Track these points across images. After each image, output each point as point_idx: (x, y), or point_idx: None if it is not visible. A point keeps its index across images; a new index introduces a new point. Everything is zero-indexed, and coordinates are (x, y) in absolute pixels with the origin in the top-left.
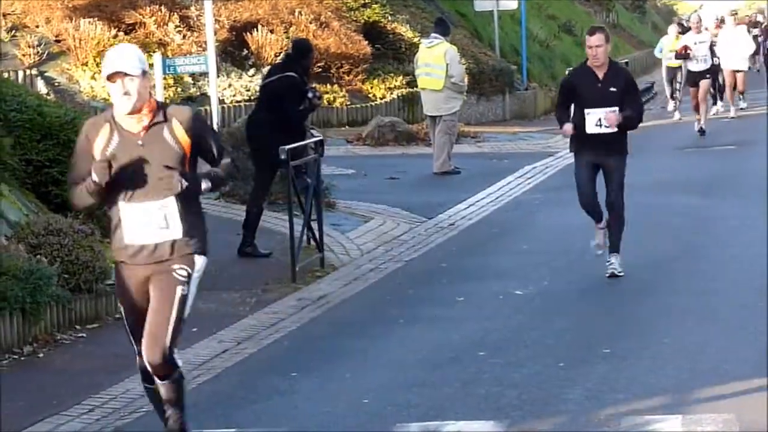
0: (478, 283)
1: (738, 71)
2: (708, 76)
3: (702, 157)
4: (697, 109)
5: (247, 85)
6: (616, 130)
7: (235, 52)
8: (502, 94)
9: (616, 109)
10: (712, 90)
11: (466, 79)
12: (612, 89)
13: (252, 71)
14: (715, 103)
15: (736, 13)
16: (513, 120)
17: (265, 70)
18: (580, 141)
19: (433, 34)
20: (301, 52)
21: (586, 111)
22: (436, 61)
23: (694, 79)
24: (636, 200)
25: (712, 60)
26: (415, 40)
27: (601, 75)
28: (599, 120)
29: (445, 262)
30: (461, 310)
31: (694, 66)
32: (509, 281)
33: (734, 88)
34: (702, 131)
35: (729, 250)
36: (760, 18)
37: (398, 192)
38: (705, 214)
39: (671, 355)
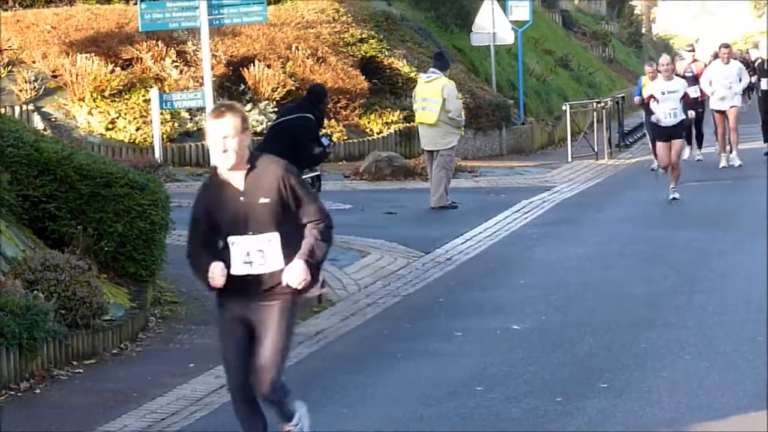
0: (476, 318)
1: (731, 108)
2: (681, 134)
3: (700, 191)
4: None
5: None
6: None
7: (232, 87)
8: (498, 128)
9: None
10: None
11: (463, 114)
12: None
13: (249, 106)
14: (690, 143)
15: (728, 47)
16: (510, 154)
17: (263, 105)
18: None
19: (431, 69)
20: (317, 96)
21: (230, 240)
22: (433, 96)
23: (663, 135)
24: (635, 233)
25: (689, 111)
26: (412, 74)
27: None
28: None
29: (442, 296)
30: (459, 345)
31: (661, 120)
32: (507, 316)
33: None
34: (675, 199)
35: (728, 285)
36: (754, 53)
37: (395, 227)
38: (704, 247)
39: (668, 389)
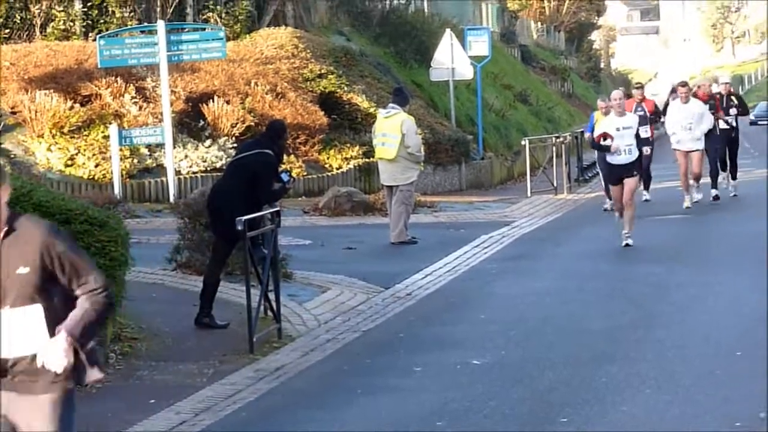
0: (436, 353)
1: (692, 151)
2: (635, 173)
3: (660, 225)
4: (622, 214)
5: (203, 156)
6: None
7: (191, 123)
8: (458, 163)
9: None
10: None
11: (422, 149)
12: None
13: (208, 142)
14: (647, 188)
15: (687, 85)
16: (469, 189)
17: (223, 141)
18: None
19: (390, 104)
20: (277, 131)
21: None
22: (392, 131)
23: (618, 175)
24: (594, 268)
25: (644, 148)
26: (372, 110)
27: None
28: None
29: (402, 332)
30: (419, 381)
31: (615, 158)
32: (467, 351)
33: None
34: (628, 245)
35: (686, 318)
36: (715, 88)
37: (355, 262)
38: (662, 281)
39: (629, 423)
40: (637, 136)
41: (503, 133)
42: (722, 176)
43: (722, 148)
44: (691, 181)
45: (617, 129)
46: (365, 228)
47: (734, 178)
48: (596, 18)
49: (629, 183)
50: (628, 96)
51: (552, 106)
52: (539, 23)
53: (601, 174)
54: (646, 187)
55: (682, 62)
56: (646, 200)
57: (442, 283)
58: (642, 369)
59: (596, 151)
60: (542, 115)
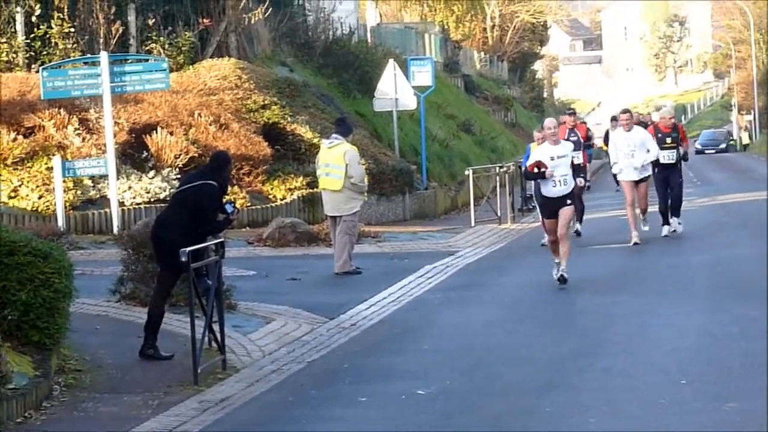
0: (381, 384)
1: (639, 181)
2: (569, 202)
3: (603, 255)
4: (556, 249)
5: (147, 187)
6: None
7: (134, 154)
8: (402, 194)
9: None
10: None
11: (366, 180)
12: None
13: (152, 173)
14: (579, 220)
15: (628, 112)
16: (413, 219)
17: (166, 172)
18: None
19: (333, 135)
20: (220, 163)
21: None
22: (336, 162)
23: (551, 207)
24: (538, 297)
25: (578, 179)
26: (315, 140)
27: None
28: None
29: (347, 362)
30: (364, 411)
31: (550, 190)
32: (412, 381)
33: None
34: (563, 279)
35: (631, 347)
36: (656, 117)
37: (300, 292)
38: (607, 310)
39: None
40: (573, 164)
41: (447, 163)
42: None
43: (662, 185)
44: (638, 212)
45: (551, 158)
46: (309, 258)
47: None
48: (539, 48)
49: (564, 213)
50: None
51: (495, 136)
52: (482, 53)
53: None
54: (579, 219)
55: (624, 92)
56: (577, 232)
57: (387, 313)
58: (587, 398)
59: (532, 183)
60: (486, 145)
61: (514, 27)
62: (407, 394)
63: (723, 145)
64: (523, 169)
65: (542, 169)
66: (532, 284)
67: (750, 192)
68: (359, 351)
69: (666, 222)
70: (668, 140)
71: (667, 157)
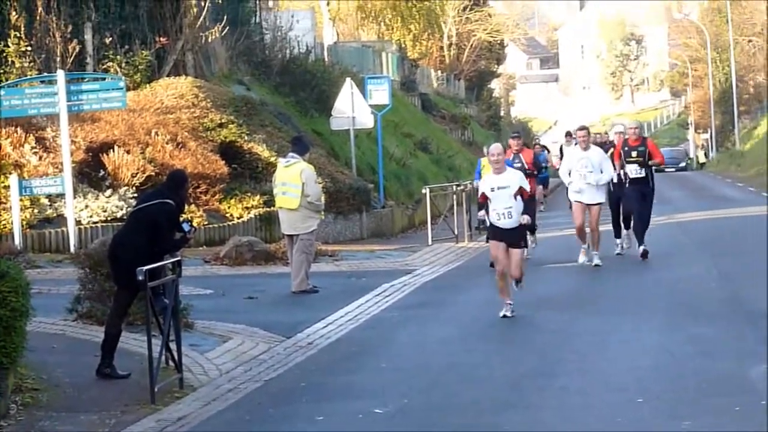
0: (338, 402)
1: (592, 205)
2: (522, 243)
3: (560, 273)
4: (502, 278)
5: (103, 205)
6: None
7: (91, 172)
8: (359, 212)
9: None
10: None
11: (323, 198)
12: None
13: (109, 192)
14: (532, 239)
15: (586, 129)
16: (371, 238)
17: (123, 191)
18: None
19: (290, 153)
20: (177, 181)
21: None
22: (293, 180)
23: (500, 235)
24: (496, 316)
25: (523, 216)
26: (272, 159)
27: None
28: None
29: (304, 381)
30: (322, 430)
31: (495, 221)
32: (369, 400)
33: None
34: (509, 315)
35: (588, 366)
36: (613, 137)
37: (257, 311)
38: (564, 329)
39: None
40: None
41: (404, 181)
42: (624, 232)
43: (615, 204)
44: (589, 245)
45: (491, 189)
46: (267, 277)
47: (627, 227)
48: (496, 66)
49: (514, 257)
50: (525, 145)
51: (452, 155)
52: (439, 71)
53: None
54: (532, 232)
55: (581, 110)
56: (527, 258)
57: (344, 332)
58: (545, 416)
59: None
60: (443, 164)
61: (471, 45)
62: (365, 413)
63: (682, 164)
64: (475, 183)
65: (481, 211)
66: (490, 303)
67: (707, 210)
68: (316, 370)
69: (627, 227)
70: (634, 154)
71: (635, 171)
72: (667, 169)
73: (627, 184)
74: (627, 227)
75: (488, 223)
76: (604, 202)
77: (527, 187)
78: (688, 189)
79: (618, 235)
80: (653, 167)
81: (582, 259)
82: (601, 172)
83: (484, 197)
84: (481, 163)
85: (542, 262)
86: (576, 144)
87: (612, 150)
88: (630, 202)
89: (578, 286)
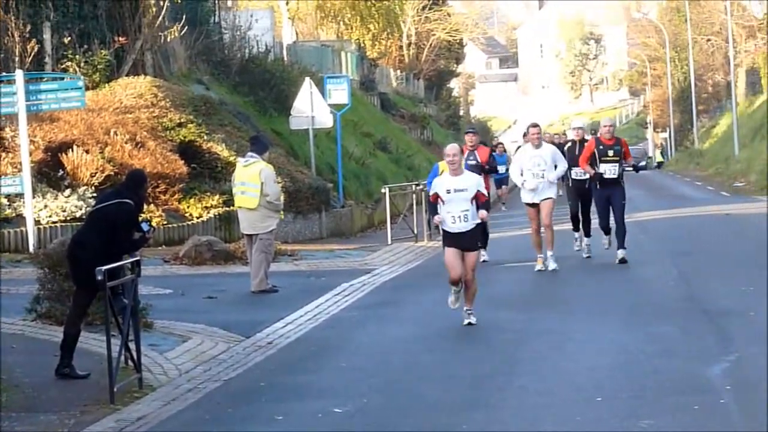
0: (298, 402)
1: (545, 199)
2: (478, 244)
3: (520, 272)
4: (457, 283)
5: (62, 205)
6: None
7: (50, 172)
8: (318, 211)
9: None
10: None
11: (282, 198)
12: None
13: (68, 192)
14: (484, 246)
15: (538, 126)
16: (330, 237)
17: (82, 191)
18: None
19: (249, 153)
20: (136, 181)
21: None
22: (252, 180)
23: (454, 241)
24: (456, 315)
25: (481, 211)
26: (231, 158)
27: None
28: None
29: (264, 380)
30: (280, 430)
31: (449, 225)
32: (328, 399)
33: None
34: (470, 323)
35: (548, 365)
36: (572, 134)
37: (216, 311)
38: (525, 328)
39: None
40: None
41: (363, 181)
42: (576, 235)
43: (575, 203)
44: (547, 245)
45: (447, 191)
46: (226, 277)
47: (588, 235)
48: (455, 66)
49: (469, 260)
50: (483, 143)
51: (412, 154)
52: (399, 71)
53: None
54: (484, 246)
55: (540, 109)
56: (484, 261)
57: (304, 331)
58: (504, 416)
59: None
60: (402, 163)
61: (431, 45)
62: (324, 413)
63: (643, 163)
64: (427, 188)
65: (440, 204)
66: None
67: (666, 210)
68: (276, 369)
69: (607, 232)
70: (610, 153)
71: (610, 171)
72: (627, 168)
73: (598, 186)
74: (587, 234)
75: (440, 230)
76: (555, 198)
77: (485, 192)
78: (648, 188)
79: (607, 232)
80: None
81: (539, 266)
82: (555, 168)
83: (436, 197)
84: (438, 167)
85: (503, 260)
86: (528, 143)
87: (568, 144)
88: (602, 205)
89: (538, 285)
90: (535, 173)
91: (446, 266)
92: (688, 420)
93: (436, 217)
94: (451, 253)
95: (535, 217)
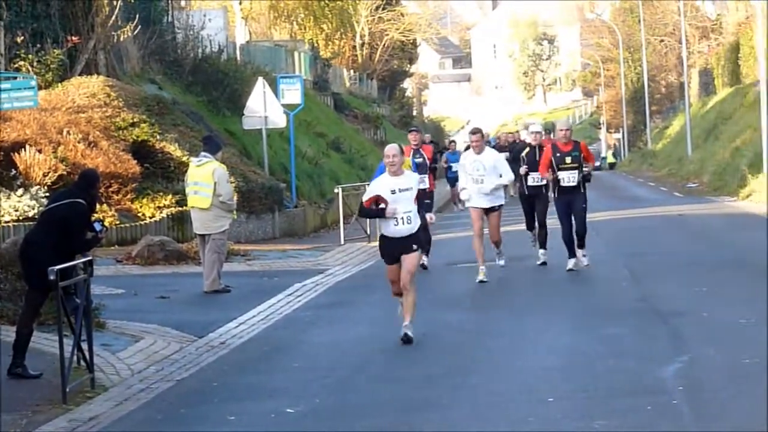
0: (250, 402)
1: (492, 209)
2: (415, 247)
3: (472, 273)
4: (400, 294)
5: (15, 205)
6: None
7: (2, 172)
8: (271, 212)
9: None
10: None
11: (235, 198)
12: None
13: (20, 191)
14: (426, 252)
15: (479, 132)
16: (283, 237)
17: (35, 191)
18: None
19: (202, 153)
20: (89, 181)
21: None
22: (204, 180)
23: (394, 251)
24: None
25: (428, 215)
26: (184, 158)
27: None
28: None
29: (216, 380)
30: (233, 430)
31: (392, 229)
32: (281, 399)
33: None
34: (408, 338)
35: (501, 365)
36: (527, 137)
37: (169, 311)
38: (477, 328)
39: None
40: (419, 195)
41: (316, 180)
42: (530, 234)
43: (529, 208)
44: (493, 246)
45: (392, 191)
46: (179, 277)
47: (543, 246)
48: (409, 66)
49: (408, 261)
50: (433, 143)
51: (365, 154)
52: (352, 71)
53: None
54: (426, 251)
55: (494, 109)
56: (423, 266)
57: (256, 331)
58: (457, 416)
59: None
60: (355, 163)
61: (384, 45)
62: (277, 413)
63: (598, 163)
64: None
65: (381, 206)
66: None
67: (619, 210)
68: (228, 369)
69: (572, 254)
70: (568, 159)
71: (568, 179)
72: (588, 172)
73: (556, 195)
74: (543, 245)
75: (379, 241)
76: (501, 207)
77: (423, 187)
78: (601, 189)
79: (572, 252)
80: (586, 173)
81: (481, 277)
82: (500, 176)
83: (371, 201)
84: (385, 168)
85: (455, 260)
86: (470, 149)
87: (526, 149)
88: (563, 212)
89: (490, 285)
90: (475, 179)
91: (389, 277)
92: (640, 421)
93: (388, 209)
94: (392, 270)
95: (479, 222)
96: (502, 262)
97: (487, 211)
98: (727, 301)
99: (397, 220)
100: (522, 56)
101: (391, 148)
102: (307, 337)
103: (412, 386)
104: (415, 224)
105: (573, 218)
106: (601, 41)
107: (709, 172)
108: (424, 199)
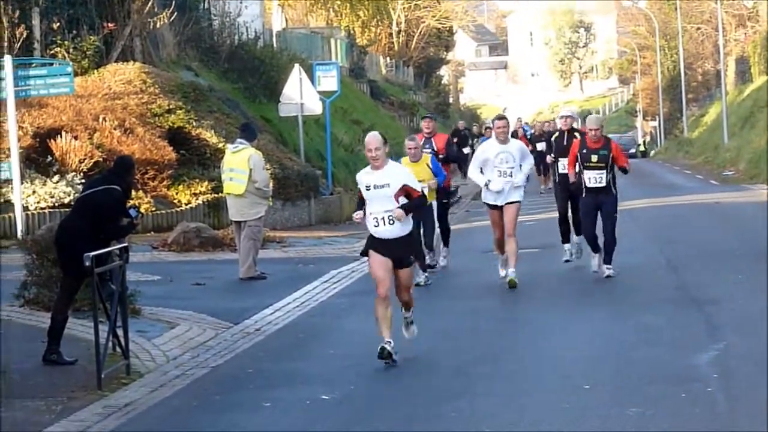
0: (285, 389)
1: (510, 203)
2: (411, 258)
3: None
4: (383, 316)
5: (51, 191)
6: None
7: (39, 158)
8: (307, 199)
9: None
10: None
11: (270, 184)
12: None
13: (56, 178)
14: (446, 243)
15: (504, 119)
16: (318, 225)
17: (71, 177)
18: None
19: (238, 140)
20: (124, 167)
21: None
22: (240, 166)
23: (384, 251)
24: (441, 304)
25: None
26: (220, 145)
27: None
28: None
29: (251, 367)
30: (268, 416)
31: (374, 229)
32: (316, 386)
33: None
34: (387, 354)
35: (535, 353)
36: (560, 124)
37: (204, 298)
38: (509, 317)
39: None
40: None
41: (352, 168)
42: (566, 247)
43: (563, 202)
44: (509, 266)
45: (367, 188)
46: (214, 263)
47: (578, 233)
48: (445, 53)
49: (403, 275)
50: (466, 130)
51: (401, 141)
52: (388, 58)
53: None
54: (445, 243)
55: (530, 97)
56: (438, 266)
57: (292, 318)
58: (491, 404)
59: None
60: (391, 150)
61: (420, 32)
62: (311, 400)
63: (632, 150)
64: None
65: (356, 213)
66: (430, 291)
67: (655, 198)
68: (264, 356)
69: (595, 250)
70: (594, 158)
71: (594, 179)
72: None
73: (584, 194)
74: (578, 233)
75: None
76: (521, 201)
77: (417, 187)
78: (636, 177)
79: (596, 248)
80: (614, 173)
81: (502, 273)
82: (521, 167)
83: (360, 196)
84: (401, 163)
85: (489, 248)
86: (492, 137)
87: (555, 134)
88: (588, 212)
89: (522, 274)
90: (502, 171)
91: (375, 277)
92: (675, 408)
93: (355, 214)
94: (376, 262)
95: (499, 223)
96: (512, 271)
97: (504, 206)
98: (763, 290)
99: (377, 221)
100: (558, 44)
101: (372, 140)
102: (342, 324)
103: (446, 374)
104: (403, 226)
105: (601, 220)
106: (637, 29)
107: (745, 160)
108: (441, 199)
